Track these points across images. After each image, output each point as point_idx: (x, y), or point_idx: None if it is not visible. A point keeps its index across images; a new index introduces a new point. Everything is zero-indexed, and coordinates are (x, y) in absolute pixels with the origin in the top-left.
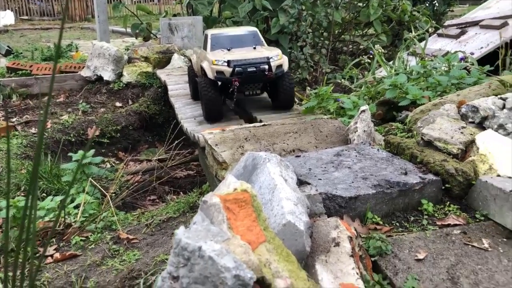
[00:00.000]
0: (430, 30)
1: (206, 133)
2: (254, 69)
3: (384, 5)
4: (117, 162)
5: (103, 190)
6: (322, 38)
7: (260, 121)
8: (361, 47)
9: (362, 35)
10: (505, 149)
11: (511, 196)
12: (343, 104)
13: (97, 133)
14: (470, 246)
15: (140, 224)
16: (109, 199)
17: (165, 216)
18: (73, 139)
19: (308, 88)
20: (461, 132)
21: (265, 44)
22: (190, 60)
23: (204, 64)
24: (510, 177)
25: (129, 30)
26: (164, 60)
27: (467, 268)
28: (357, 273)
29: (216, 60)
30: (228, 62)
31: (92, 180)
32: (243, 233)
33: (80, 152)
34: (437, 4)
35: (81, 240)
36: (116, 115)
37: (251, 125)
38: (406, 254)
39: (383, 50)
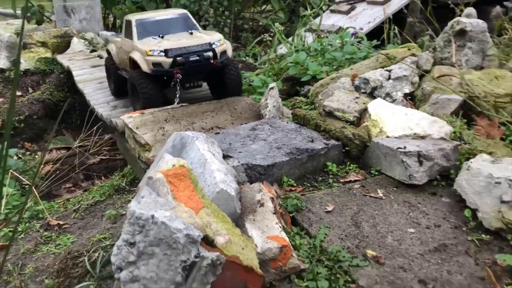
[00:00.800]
0: (324, 7)
1: (125, 117)
2: (197, 57)
3: None
4: (27, 153)
5: (26, 181)
6: (223, 17)
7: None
8: (261, 24)
9: (261, 12)
10: (391, 114)
11: (397, 153)
12: (252, 82)
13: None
14: (368, 196)
15: (68, 210)
16: (33, 188)
17: (92, 200)
18: None
19: None
20: (356, 102)
21: (200, 28)
22: (108, 51)
23: (135, 56)
24: (396, 137)
25: (18, 12)
26: (63, 44)
27: (367, 214)
28: (280, 227)
29: (151, 50)
30: (166, 51)
31: (14, 172)
32: (185, 201)
33: None
34: None
35: (9, 231)
36: (18, 104)
37: (169, 107)
38: (318, 208)
39: (282, 28)
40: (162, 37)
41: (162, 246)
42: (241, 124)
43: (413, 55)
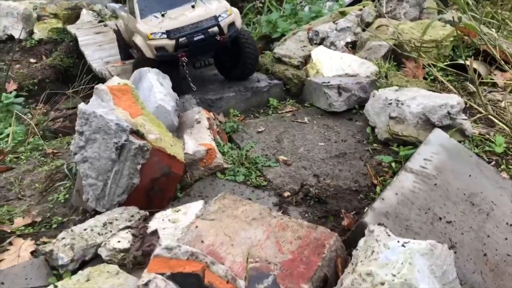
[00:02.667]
0: None
1: (109, 67)
2: (202, 36)
3: None
4: (39, 112)
5: (28, 119)
6: None
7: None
8: None
9: None
10: (329, 58)
11: (322, 87)
12: None
13: (15, 87)
14: (295, 122)
15: (62, 144)
16: (34, 125)
17: None
18: None
19: None
20: (302, 50)
21: None
22: (117, 26)
23: (137, 40)
24: (330, 77)
25: None
26: (73, 16)
27: (290, 133)
28: (212, 138)
29: (152, 34)
30: (168, 32)
31: (18, 112)
32: (125, 108)
33: (3, 94)
34: None
35: (14, 157)
36: (32, 69)
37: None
38: (251, 130)
39: None
40: (164, 15)
41: (101, 133)
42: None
43: (360, 10)
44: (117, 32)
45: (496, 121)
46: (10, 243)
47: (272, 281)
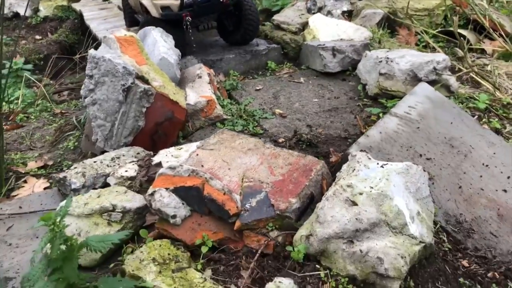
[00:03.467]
0: None
1: (115, 33)
2: None
3: None
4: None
5: (37, 82)
6: None
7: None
8: None
9: None
10: (325, 25)
11: (317, 49)
12: None
13: (22, 60)
14: (291, 82)
15: (70, 106)
16: (42, 86)
17: None
18: None
19: None
20: (300, 17)
21: None
22: None
23: (144, 1)
24: (325, 41)
25: None
26: None
27: (286, 91)
28: (212, 92)
29: None
30: None
31: (27, 75)
32: (131, 56)
33: (13, 61)
34: None
35: (25, 117)
36: (37, 45)
37: None
38: (250, 88)
39: None
40: None
41: (109, 76)
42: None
43: None
44: (123, 1)
45: (480, 79)
46: (25, 181)
47: (264, 196)
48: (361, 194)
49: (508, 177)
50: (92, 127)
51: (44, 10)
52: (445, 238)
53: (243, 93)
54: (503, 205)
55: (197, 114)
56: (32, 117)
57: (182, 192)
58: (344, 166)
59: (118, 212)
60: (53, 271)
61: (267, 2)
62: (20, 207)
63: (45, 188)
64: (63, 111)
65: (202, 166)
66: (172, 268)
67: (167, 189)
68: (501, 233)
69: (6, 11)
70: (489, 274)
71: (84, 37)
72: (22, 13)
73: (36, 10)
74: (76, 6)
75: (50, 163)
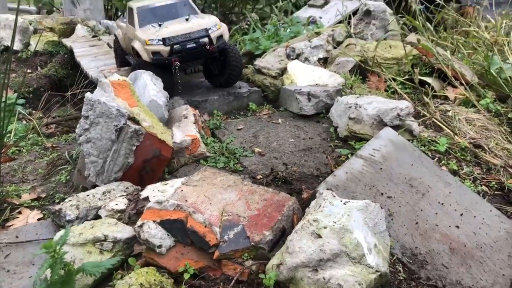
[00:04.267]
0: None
1: (105, 72)
2: (194, 44)
3: None
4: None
5: (29, 116)
6: (211, 9)
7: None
8: (247, 17)
9: (253, 8)
10: (302, 70)
11: (294, 93)
12: None
13: (15, 95)
14: (270, 122)
15: (60, 141)
16: (34, 121)
17: None
18: None
19: None
20: (279, 63)
21: (199, 12)
22: (115, 36)
23: (136, 45)
24: (301, 86)
25: (27, 7)
26: (68, 30)
27: (265, 131)
28: (197, 131)
29: (149, 40)
30: (164, 40)
31: (20, 110)
32: (123, 99)
33: (8, 96)
34: None
35: (17, 150)
36: (27, 79)
37: None
38: (232, 127)
39: (257, 18)
40: (160, 25)
41: (103, 117)
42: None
43: (332, 30)
44: (115, 40)
45: (441, 124)
46: (19, 212)
47: (241, 228)
48: (325, 228)
49: (461, 214)
50: (85, 163)
51: (35, 45)
52: (401, 269)
53: (225, 132)
54: (455, 240)
55: (182, 151)
56: (24, 150)
57: (167, 224)
58: (312, 203)
59: (109, 241)
60: None
61: (251, 46)
62: (17, 237)
63: (39, 219)
64: (54, 145)
65: (186, 201)
66: None
67: (154, 221)
68: (451, 265)
69: None
70: None
71: (73, 71)
72: (13, 47)
73: (27, 45)
74: (66, 42)
75: (43, 195)
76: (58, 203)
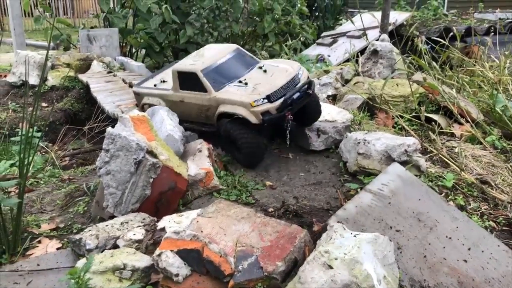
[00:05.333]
0: (303, 37)
1: (122, 107)
2: (299, 93)
3: (277, 20)
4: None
5: (47, 148)
6: None
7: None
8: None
9: (262, 46)
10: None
11: (305, 129)
12: None
13: (35, 128)
14: (281, 157)
15: (77, 173)
16: (52, 153)
17: (94, 166)
18: (7, 132)
19: None
20: None
21: (256, 58)
22: (151, 105)
23: (237, 110)
24: None
25: (44, 43)
26: (84, 66)
27: (276, 165)
28: (210, 164)
29: (255, 101)
30: (268, 97)
31: (41, 144)
32: (142, 133)
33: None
34: (326, 20)
35: (35, 181)
36: (44, 112)
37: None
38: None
39: (268, 55)
40: (246, 83)
41: (123, 150)
42: None
43: (341, 68)
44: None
45: (447, 160)
46: (39, 242)
47: (255, 259)
48: (336, 259)
49: (469, 249)
50: (103, 194)
51: (52, 80)
52: None
53: (237, 165)
54: (463, 274)
55: (197, 184)
56: (42, 182)
57: (184, 254)
58: (324, 235)
59: (128, 270)
60: None
61: None
62: (38, 265)
63: (57, 248)
64: (70, 177)
65: (202, 231)
66: None
67: (172, 250)
68: None
69: (15, 79)
70: None
71: (88, 106)
72: (31, 82)
73: (44, 80)
74: (82, 77)
75: (62, 225)
76: (77, 233)
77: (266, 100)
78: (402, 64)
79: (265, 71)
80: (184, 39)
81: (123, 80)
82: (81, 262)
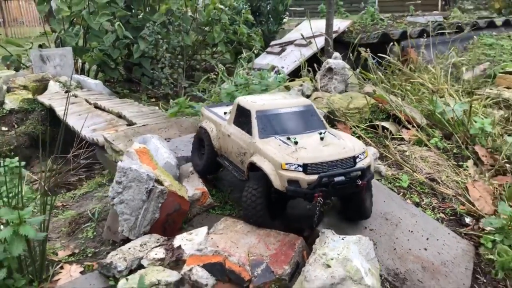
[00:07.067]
0: (255, 51)
1: (105, 134)
2: (343, 178)
3: (225, 30)
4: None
5: (36, 177)
6: (177, 60)
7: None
8: (212, 64)
9: (212, 54)
10: None
11: None
12: (194, 108)
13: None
14: None
15: (67, 198)
16: (42, 183)
17: (83, 191)
18: None
19: (171, 100)
20: None
21: (326, 124)
22: (204, 129)
23: (263, 165)
24: None
25: None
26: (41, 87)
27: None
28: (203, 184)
29: (287, 164)
30: (305, 166)
31: (28, 173)
32: (146, 164)
33: (8, 159)
34: (270, 25)
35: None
36: (7, 137)
37: (134, 126)
38: (229, 177)
39: (224, 68)
40: (296, 142)
41: (135, 182)
42: (186, 135)
43: (301, 85)
44: (202, 131)
45: (401, 163)
46: (61, 267)
47: (266, 265)
48: (332, 259)
49: (427, 239)
50: (115, 220)
51: (10, 103)
52: (388, 286)
53: (225, 183)
54: (425, 260)
55: (194, 203)
56: (36, 210)
57: (209, 267)
58: (317, 240)
59: (162, 285)
60: None
61: (227, 98)
62: None
63: (81, 272)
64: (63, 204)
65: (217, 246)
66: None
67: (198, 265)
68: (425, 280)
69: None
70: None
71: (51, 127)
72: None
73: (1, 103)
74: (42, 99)
75: (76, 251)
76: (94, 256)
77: (300, 169)
78: (354, 78)
79: (322, 138)
80: (137, 54)
81: (86, 101)
82: (122, 283)
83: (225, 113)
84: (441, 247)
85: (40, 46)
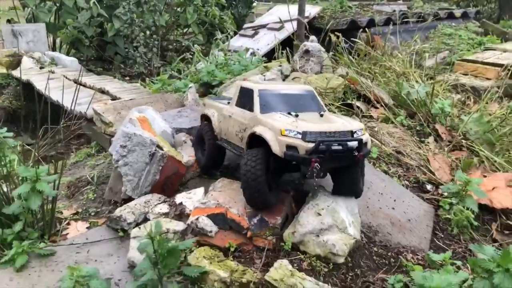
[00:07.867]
0: (231, 33)
1: (95, 106)
2: (340, 147)
3: (198, 11)
4: None
5: (27, 145)
6: (152, 39)
7: None
8: (183, 44)
9: (183, 34)
10: None
11: None
12: (177, 85)
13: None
14: None
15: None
16: (35, 152)
17: (73, 160)
18: None
19: (147, 78)
20: None
21: (326, 109)
22: (206, 116)
23: (263, 132)
24: None
25: None
26: (14, 62)
27: None
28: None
29: (286, 130)
30: (303, 134)
31: (20, 142)
32: (147, 131)
33: None
34: (240, 8)
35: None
36: None
37: (122, 99)
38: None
39: (200, 48)
40: (297, 115)
41: (139, 146)
42: (172, 109)
43: (280, 65)
44: (203, 123)
45: (371, 138)
46: (68, 224)
47: (261, 216)
48: (322, 209)
49: (395, 200)
50: (117, 182)
51: None
52: (363, 236)
53: None
54: (393, 217)
55: (188, 169)
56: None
57: (213, 217)
58: (310, 194)
59: (171, 233)
60: (157, 264)
61: (207, 77)
62: (87, 239)
63: (87, 228)
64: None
65: (218, 201)
66: (216, 260)
67: (203, 215)
68: (393, 233)
69: None
70: (388, 253)
71: (27, 102)
72: None
73: None
74: (18, 74)
75: (80, 210)
76: (96, 215)
77: (299, 136)
78: (328, 61)
79: (321, 115)
80: (112, 32)
81: (65, 77)
82: (136, 231)
83: (228, 102)
84: (406, 207)
85: (9, 21)
